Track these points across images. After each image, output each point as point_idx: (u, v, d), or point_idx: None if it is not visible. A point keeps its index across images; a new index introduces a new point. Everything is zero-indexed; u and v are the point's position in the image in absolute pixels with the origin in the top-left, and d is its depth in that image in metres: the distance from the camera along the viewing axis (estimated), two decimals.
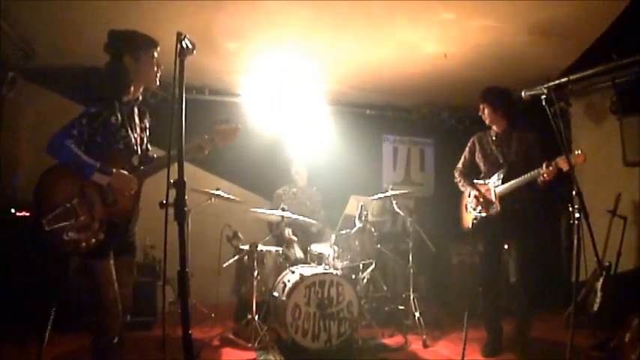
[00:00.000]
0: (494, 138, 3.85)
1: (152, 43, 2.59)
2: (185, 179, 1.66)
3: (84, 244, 2.38)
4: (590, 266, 4.29)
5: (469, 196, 3.91)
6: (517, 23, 3.91)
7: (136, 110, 2.66)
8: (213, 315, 4.61)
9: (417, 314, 4.45)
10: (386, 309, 4.97)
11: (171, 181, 1.64)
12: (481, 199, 3.79)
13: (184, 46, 1.93)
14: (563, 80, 4.80)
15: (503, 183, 3.67)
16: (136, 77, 2.56)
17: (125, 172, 2.48)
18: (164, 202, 1.65)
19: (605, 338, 3.81)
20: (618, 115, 4.75)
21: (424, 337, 4.23)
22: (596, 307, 4.25)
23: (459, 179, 4.08)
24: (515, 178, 3.55)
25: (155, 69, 2.61)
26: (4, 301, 3.84)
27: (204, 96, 5.66)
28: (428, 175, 7.17)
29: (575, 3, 3.58)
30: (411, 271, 4.70)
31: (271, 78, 5.35)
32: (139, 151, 2.65)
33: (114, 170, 2.44)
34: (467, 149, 4.06)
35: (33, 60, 4.43)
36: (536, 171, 3.39)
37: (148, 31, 3.56)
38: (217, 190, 4.50)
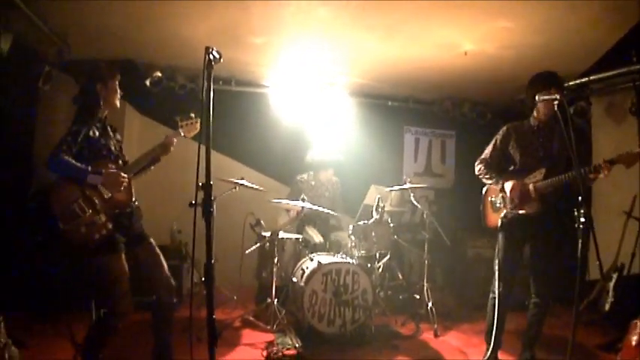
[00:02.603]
0: (535, 128, 3.44)
1: (116, 74, 3.07)
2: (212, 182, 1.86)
3: (97, 235, 2.83)
4: (605, 266, 4.35)
5: (503, 190, 3.44)
6: (538, 23, 3.95)
7: (108, 127, 3.12)
8: (235, 297, 4.87)
9: (430, 304, 4.61)
10: (400, 297, 5.15)
11: (200, 183, 1.85)
12: (519, 194, 3.36)
13: (212, 57, 2.10)
14: (583, 80, 4.79)
15: (545, 178, 3.29)
16: (104, 100, 3.03)
17: (114, 170, 2.93)
18: (193, 202, 1.85)
19: (613, 339, 3.85)
20: (638, 116, 4.72)
21: (435, 326, 4.40)
22: (607, 307, 4.29)
23: (484, 171, 3.59)
24: (557, 174, 3.22)
25: (117, 94, 3.08)
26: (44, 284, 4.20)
27: (231, 87, 5.85)
28: (448, 167, 7.26)
29: (598, 3, 3.58)
30: (426, 262, 4.84)
31: (296, 71, 5.50)
32: (121, 157, 3.12)
33: (104, 170, 2.88)
34: (498, 138, 3.59)
35: (67, 54, 4.66)
36: (584, 169, 3.05)
37: (178, 28, 3.83)
38: (242, 179, 4.69)
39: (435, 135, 7.19)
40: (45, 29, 4.28)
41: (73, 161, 2.81)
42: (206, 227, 1.84)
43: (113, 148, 3.08)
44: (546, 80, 3.30)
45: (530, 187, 3.35)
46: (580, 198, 2.78)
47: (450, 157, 7.27)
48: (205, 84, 2.06)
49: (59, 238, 2.84)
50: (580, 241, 2.97)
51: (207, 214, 1.82)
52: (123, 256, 2.95)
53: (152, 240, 3.15)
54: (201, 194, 1.89)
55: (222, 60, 2.20)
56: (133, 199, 3.06)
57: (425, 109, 6.86)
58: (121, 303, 2.90)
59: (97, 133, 2.98)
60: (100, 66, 3.09)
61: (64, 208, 2.81)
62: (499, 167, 3.58)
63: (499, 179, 3.48)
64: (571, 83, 4.94)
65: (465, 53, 4.58)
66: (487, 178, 3.58)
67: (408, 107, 6.73)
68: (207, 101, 2.03)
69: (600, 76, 4.78)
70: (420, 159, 7.14)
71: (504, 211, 3.45)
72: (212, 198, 1.86)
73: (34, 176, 4.95)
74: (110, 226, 2.88)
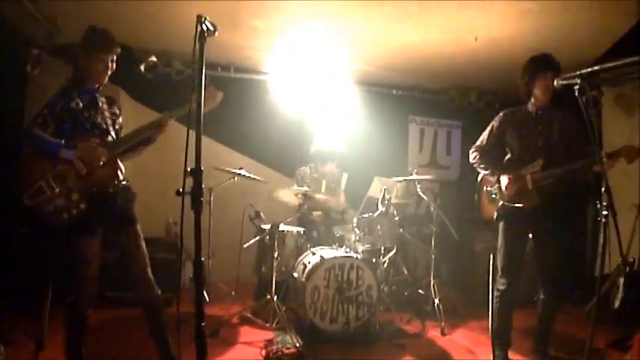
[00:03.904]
0: (534, 115, 3.26)
1: (106, 44, 2.77)
2: (202, 168, 1.64)
3: (65, 214, 2.61)
4: (614, 261, 4.17)
5: (498, 183, 3.29)
6: (552, 6, 3.73)
7: (101, 98, 2.88)
8: (233, 293, 4.67)
9: (437, 301, 4.41)
10: (405, 293, 4.96)
11: (189, 169, 1.63)
12: (515, 188, 3.21)
13: (205, 28, 1.89)
14: (595, 68, 4.59)
15: (542, 170, 3.15)
16: (86, 71, 2.78)
17: (92, 145, 2.68)
18: (180, 190, 1.63)
19: (623, 336, 3.72)
20: None
21: (442, 324, 4.20)
22: (617, 304, 4.15)
23: (479, 160, 3.43)
24: (556, 165, 3.09)
25: (103, 71, 2.79)
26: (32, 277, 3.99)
27: (230, 73, 5.63)
28: (454, 158, 7.04)
29: None
30: (433, 256, 4.65)
31: (297, 56, 5.27)
32: (112, 131, 2.86)
33: (79, 145, 2.65)
34: (495, 124, 3.42)
35: (57, 37, 4.45)
36: (587, 161, 2.92)
37: (172, 9, 3.57)
38: (240, 169, 4.49)
39: (441, 125, 6.96)
40: (33, 11, 4.07)
41: (46, 136, 2.62)
42: (195, 219, 1.61)
43: (100, 121, 2.82)
44: (544, 63, 3.16)
45: (528, 178, 3.18)
46: (603, 189, 2.62)
47: (455, 148, 7.04)
48: (198, 61, 1.85)
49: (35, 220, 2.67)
50: (601, 235, 2.82)
51: (196, 204, 1.58)
52: (97, 240, 2.75)
53: (138, 227, 2.91)
54: (190, 183, 1.66)
55: (217, 33, 1.99)
56: (121, 178, 2.82)
57: (431, 99, 6.64)
58: (86, 287, 2.74)
59: (81, 105, 2.73)
60: (87, 34, 2.79)
61: (29, 183, 2.59)
62: (495, 155, 3.42)
63: (495, 170, 3.34)
64: (583, 71, 4.73)
65: (476, 39, 4.35)
66: (482, 168, 3.44)
67: (414, 96, 6.51)
68: (198, 78, 1.81)
69: (612, 64, 4.58)
70: (424, 150, 6.92)
71: (501, 202, 3.30)
72: (202, 186, 1.63)
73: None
74: (82, 206, 2.64)
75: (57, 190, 2.61)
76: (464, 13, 4.00)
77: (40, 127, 2.63)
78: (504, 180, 3.24)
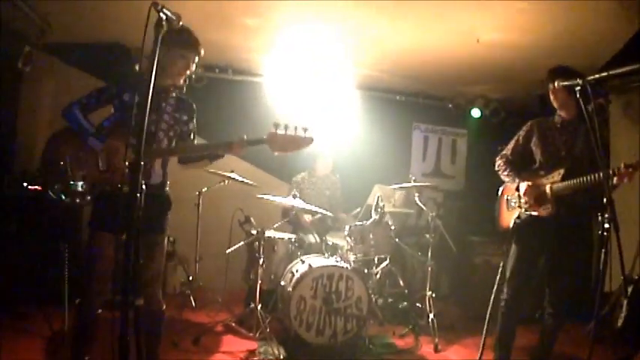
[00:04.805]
0: (559, 126, 3.25)
1: (188, 46, 2.60)
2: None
3: (68, 198, 2.48)
4: (619, 278, 3.95)
5: (517, 190, 3.25)
6: (559, 7, 3.54)
7: (170, 100, 2.69)
8: (220, 300, 4.52)
9: (432, 315, 4.21)
10: (400, 306, 4.77)
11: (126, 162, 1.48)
12: (534, 195, 3.17)
13: (163, 16, 1.76)
14: (602, 74, 4.38)
15: (563, 180, 3.08)
16: (161, 68, 2.47)
17: (117, 145, 2.53)
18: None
19: (626, 356, 3.55)
20: None
21: (436, 340, 4.00)
22: (620, 323, 3.94)
23: (503, 167, 3.40)
24: (577, 176, 2.98)
25: (182, 70, 2.63)
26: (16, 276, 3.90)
27: (227, 75, 5.51)
28: (459, 167, 6.83)
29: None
30: (430, 268, 4.45)
31: (296, 58, 5.12)
32: (161, 136, 2.66)
33: (108, 139, 2.52)
34: (521, 134, 3.41)
35: (49, 34, 4.36)
36: (606, 172, 2.76)
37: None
38: (231, 172, 4.37)
39: (446, 133, 6.76)
40: (25, 8, 4.00)
41: (82, 117, 2.56)
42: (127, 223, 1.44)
43: (150, 122, 2.53)
44: (551, 73, 3.16)
45: (547, 188, 3.12)
46: (605, 200, 2.54)
47: (460, 157, 6.83)
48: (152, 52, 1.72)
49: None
50: (603, 250, 2.66)
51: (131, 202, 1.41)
52: (111, 239, 2.54)
53: (162, 238, 2.72)
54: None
55: (180, 23, 1.87)
56: (155, 183, 2.64)
57: (436, 105, 6.46)
58: (95, 286, 2.55)
59: (134, 101, 2.51)
60: (178, 29, 2.44)
61: (51, 159, 2.52)
62: (520, 164, 3.39)
63: (516, 177, 3.29)
64: (590, 78, 4.53)
65: (478, 40, 4.16)
66: (505, 175, 3.40)
67: (418, 102, 6.33)
68: (151, 70, 1.69)
69: (620, 70, 4.38)
70: (428, 158, 6.72)
71: (518, 211, 3.25)
72: (140, 182, 1.47)
73: (14, 163, 4.68)
74: (88, 198, 2.52)
75: (69, 173, 2.50)
76: (469, 18, 3.83)
77: (82, 107, 2.57)
78: (523, 186, 3.20)
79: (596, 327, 3.20)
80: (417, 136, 6.66)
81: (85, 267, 2.61)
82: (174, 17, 1.85)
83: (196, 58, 2.66)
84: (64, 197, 2.51)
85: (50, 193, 2.53)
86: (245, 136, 2.58)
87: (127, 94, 2.58)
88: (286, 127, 2.48)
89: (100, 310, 2.60)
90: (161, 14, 1.78)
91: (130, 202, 2.57)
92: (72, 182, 2.51)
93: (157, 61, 2.37)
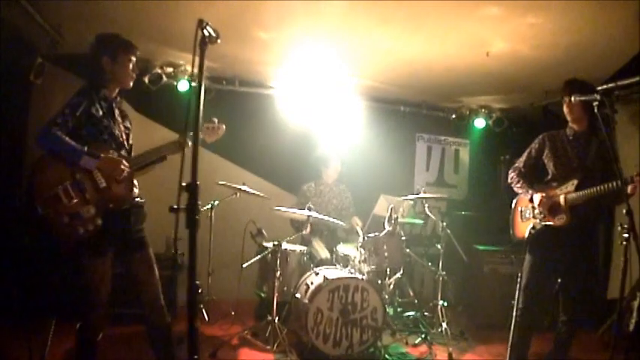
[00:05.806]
0: (570, 138, 3.33)
1: (130, 49, 2.71)
2: (198, 183, 1.51)
3: (82, 229, 2.42)
4: (629, 283, 4.02)
5: (532, 201, 3.32)
6: (567, 21, 3.63)
7: (116, 110, 2.74)
8: (233, 313, 4.51)
9: (444, 324, 4.24)
10: (411, 316, 4.79)
11: (184, 184, 1.50)
12: (548, 206, 3.24)
13: (207, 33, 1.79)
14: (610, 85, 4.48)
15: (576, 190, 3.15)
16: (112, 76, 2.66)
17: (114, 156, 2.55)
18: (174, 206, 1.49)
19: None
20: None
21: (450, 349, 4.02)
22: (631, 328, 4.00)
23: (516, 179, 3.48)
24: (590, 186, 3.06)
25: (130, 72, 2.72)
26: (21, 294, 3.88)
27: (234, 87, 5.52)
28: (462, 177, 6.89)
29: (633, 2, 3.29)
30: (440, 278, 4.48)
31: (304, 70, 5.17)
32: (126, 146, 2.73)
33: (102, 155, 2.50)
34: (533, 147, 3.49)
35: (61, 47, 4.36)
36: (619, 181, 2.83)
37: (174, 20, 3.50)
38: (243, 184, 4.39)
39: (449, 143, 6.83)
40: (37, 18, 3.99)
41: (68, 138, 2.43)
42: (189, 239, 1.47)
43: (117, 133, 2.66)
44: (565, 87, 3.25)
45: (561, 198, 3.21)
46: (625, 211, 2.62)
47: (463, 166, 6.90)
48: (198, 67, 1.74)
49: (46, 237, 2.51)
50: (622, 259, 2.71)
51: (191, 222, 1.45)
52: (108, 261, 2.56)
53: (151, 251, 2.74)
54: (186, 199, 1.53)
55: (219, 41, 1.89)
56: (135, 195, 2.66)
57: (439, 116, 6.52)
58: (94, 315, 2.57)
59: (101, 113, 2.57)
60: (108, 36, 2.68)
61: (45, 189, 2.38)
62: (533, 177, 3.47)
63: (529, 189, 3.37)
64: (598, 88, 4.63)
65: (487, 54, 4.24)
66: (518, 187, 3.48)
67: (421, 113, 6.38)
68: (198, 89, 1.70)
69: (627, 81, 4.46)
70: (432, 168, 6.78)
71: (532, 221, 3.32)
72: (197, 202, 1.49)
73: (24, 176, 4.64)
74: (99, 221, 2.45)
75: (75, 200, 2.41)
76: (481, 31, 3.91)
77: (61, 127, 2.43)
78: (537, 197, 3.27)
79: (618, 332, 3.28)
80: (420, 147, 6.73)
81: (87, 293, 2.56)
82: (215, 35, 1.87)
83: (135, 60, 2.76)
84: (81, 230, 2.41)
85: (58, 228, 2.39)
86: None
87: (93, 107, 2.55)
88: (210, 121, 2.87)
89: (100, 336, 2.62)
90: (204, 31, 1.80)
91: (137, 218, 2.68)
92: (80, 210, 2.42)
93: (113, 70, 2.61)
